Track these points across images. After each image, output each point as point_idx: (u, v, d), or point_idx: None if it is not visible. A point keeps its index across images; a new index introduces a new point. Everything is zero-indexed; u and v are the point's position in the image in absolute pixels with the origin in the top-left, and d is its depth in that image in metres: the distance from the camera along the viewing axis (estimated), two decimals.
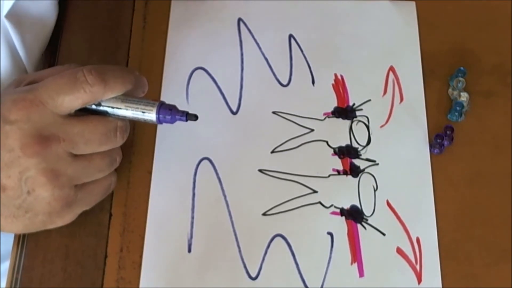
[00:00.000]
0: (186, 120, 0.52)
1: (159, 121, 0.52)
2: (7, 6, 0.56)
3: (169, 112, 0.52)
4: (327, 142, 0.61)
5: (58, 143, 0.49)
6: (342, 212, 0.58)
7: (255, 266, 0.55)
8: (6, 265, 0.55)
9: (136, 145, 0.56)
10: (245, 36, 0.65)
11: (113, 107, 0.52)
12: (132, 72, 0.52)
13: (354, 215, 0.58)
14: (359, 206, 0.58)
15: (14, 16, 0.57)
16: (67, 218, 0.53)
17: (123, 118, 0.52)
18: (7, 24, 0.57)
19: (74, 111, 0.51)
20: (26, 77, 0.53)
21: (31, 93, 0.50)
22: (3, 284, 0.54)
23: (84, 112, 0.51)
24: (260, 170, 0.59)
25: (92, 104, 0.51)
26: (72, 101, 0.50)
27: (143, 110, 0.52)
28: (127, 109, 0.52)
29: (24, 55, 0.60)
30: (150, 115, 0.52)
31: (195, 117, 0.52)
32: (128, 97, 0.52)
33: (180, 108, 0.53)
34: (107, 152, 0.52)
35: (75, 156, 0.50)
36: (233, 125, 0.61)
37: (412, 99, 0.63)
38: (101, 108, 0.52)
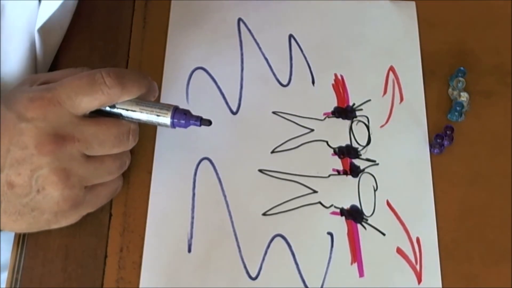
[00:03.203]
0: (200, 125, 0.53)
1: (173, 125, 0.53)
2: (41, 20, 0.56)
3: (184, 117, 0.52)
4: (327, 142, 0.61)
5: (73, 143, 0.50)
6: (342, 212, 0.58)
7: (255, 266, 0.55)
8: (5, 276, 0.55)
9: (136, 145, 0.56)
10: (245, 36, 0.65)
11: (127, 110, 0.52)
12: (146, 77, 0.53)
13: (354, 215, 0.58)
14: (359, 206, 0.58)
15: (44, 28, 0.57)
16: (72, 219, 0.53)
17: (135, 121, 0.52)
18: (36, 37, 0.57)
19: (89, 112, 0.51)
20: (39, 77, 0.53)
21: (49, 92, 0.50)
22: (3, 284, 0.54)
23: (98, 115, 0.52)
24: (260, 170, 0.59)
25: (106, 106, 0.52)
26: (89, 102, 0.50)
27: (158, 113, 0.52)
28: (141, 112, 0.52)
29: (41, 62, 0.60)
30: (165, 119, 0.52)
31: (209, 122, 0.53)
32: (142, 101, 0.52)
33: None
34: (118, 155, 0.53)
35: (88, 157, 0.51)
36: (233, 125, 0.61)
37: (412, 99, 0.63)
38: (115, 110, 0.52)
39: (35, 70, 0.60)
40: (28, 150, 0.49)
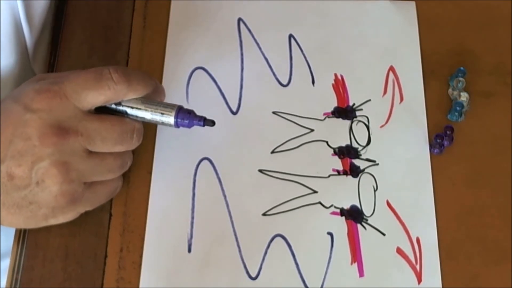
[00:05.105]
0: (204, 125, 0.53)
1: (177, 124, 0.53)
2: None
3: (188, 116, 0.53)
4: (327, 142, 0.61)
5: (76, 136, 0.50)
6: (342, 212, 0.58)
7: (255, 266, 0.55)
8: (6, 263, 0.55)
9: None
10: (245, 36, 0.65)
11: (132, 107, 0.52)
12: (153, 78, 0.54)
13: (354, 215, 0.58)
14: (359, 206, 0.58)
15: None
16: (69, 215, 0.53)
17: (140, 120, 0.53)
18: (19, 4, 0.57)
19: (94, 108, 0.51)
20: (48, 76, 0.54)
21: (56, 85, 0.50)
22: (3, 284, 0.54)
23: (103, 112, 0.52)
24: (260, 170, 0.59)
25: (112, 103, 0.52)
26: (95, 97, 0.51)
27: (162, 112, 0.53)
28: (146, 110, 0.53)
29: (28, 30, 0.59)
30: (169, 118, 0.53)
31: (212, 123, 0.53)
32: (147, 100, 0.53)
33: None
34: (120, 154, 0.53)
35: (89, 153, 0.51)
36: (233, 125, 0.61)
37: (412, 99, 0.63)
38: (120, 107, 0.52)
39: (21, 36, 0.59)
40: (31, 141, 0.49)
